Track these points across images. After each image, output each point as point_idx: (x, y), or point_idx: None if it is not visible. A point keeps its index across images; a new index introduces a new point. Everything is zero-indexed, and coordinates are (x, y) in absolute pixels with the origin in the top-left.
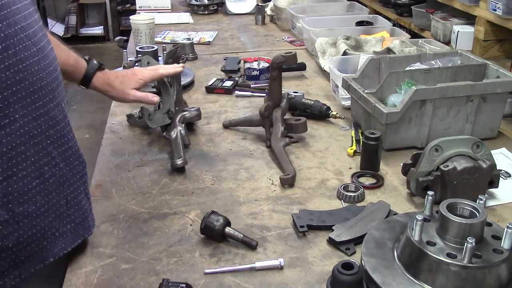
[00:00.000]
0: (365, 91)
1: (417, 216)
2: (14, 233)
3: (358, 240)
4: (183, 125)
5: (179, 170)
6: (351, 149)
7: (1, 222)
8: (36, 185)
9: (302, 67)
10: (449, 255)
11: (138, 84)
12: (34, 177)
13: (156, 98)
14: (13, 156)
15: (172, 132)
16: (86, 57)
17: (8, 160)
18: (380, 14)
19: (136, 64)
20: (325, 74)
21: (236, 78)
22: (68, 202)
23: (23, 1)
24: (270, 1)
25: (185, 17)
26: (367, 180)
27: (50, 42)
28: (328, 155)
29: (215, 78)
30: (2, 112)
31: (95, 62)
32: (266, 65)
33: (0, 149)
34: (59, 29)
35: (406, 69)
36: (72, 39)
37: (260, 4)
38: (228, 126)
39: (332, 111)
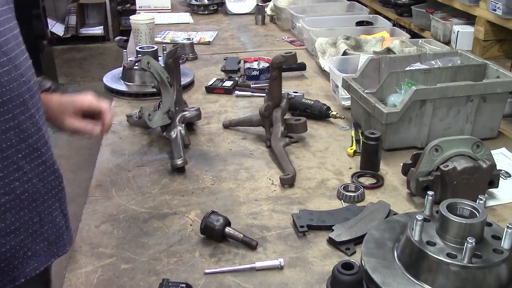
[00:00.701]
0: (365, 91)
1: (417, 216)
2: None
3: (358, 240)
4: (183, 125)
5: (179, 170)
6: (351, 149)
7: None
8: (5, 201)
9: (302, 67)
10: (449, 255)
11: (75, 114)
12: (4, 193)
13: (96, 129)
14: None
15: (172, 132)
16: (39, 78)
17: None
18: (380, 14)
19: (136, 64)
20: (325, 74)
21: (236, 78)
22: (42, 219)
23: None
24: (270, 1)
25: (185, 17)
26: (367, 180)
27: (26, 51)
28: (328, 155)
29: (215, 78)
30: None
31: (46, 83)
32: (266, 65)
33: None
34: (59, 29)
35: (406, 69)
36: (72, 39)
37: (260, 4)
38: (228, 126)
39: (332, 111)
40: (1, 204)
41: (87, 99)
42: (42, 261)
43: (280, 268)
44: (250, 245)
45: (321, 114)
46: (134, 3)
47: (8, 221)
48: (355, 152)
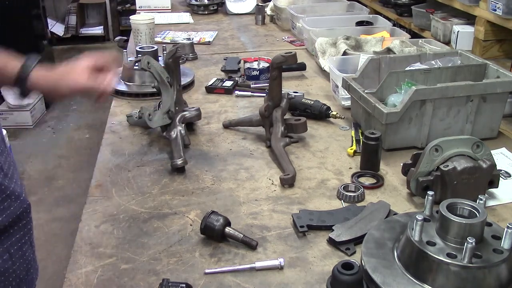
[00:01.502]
0: (365, 91)
1: (417, 216)
2: None
3: (358, 240)
4: (183, 125)
5: (179, 170)
6: (351, 149)
7: None
8: None
9: (302, 67)
10: (449, 255)
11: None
12: None
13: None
14: None
15: (172, 132)
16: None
17: None
18: (380, 14)
19: (136, 64)
20: (325, 74)
21: (236, 78)
22: (12, 255)
23: None
24: (270, 1)
25: (185, 17)
26: (367, 180)
27: None
28: (328, 155)
29: (215, 78)
30: None
31: (32, 61)
32: (266, 65)
33: None
34: (59, 29)
35: (406, 69)
36: (72, 39)
37: (260, 4)
38: (228, 126)
39: (332, 111)
40: None
41: (96, 56)
42: None
43: (280, 268)
44: (250, 245)
45: (321, 114)
46: (134, 3)
47: None
48: (355, 152)
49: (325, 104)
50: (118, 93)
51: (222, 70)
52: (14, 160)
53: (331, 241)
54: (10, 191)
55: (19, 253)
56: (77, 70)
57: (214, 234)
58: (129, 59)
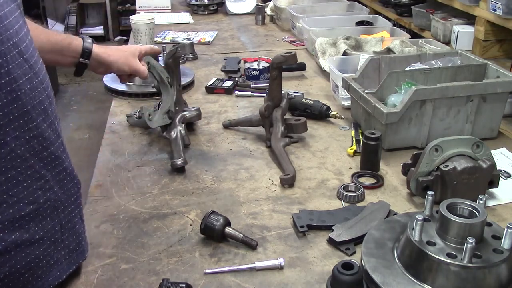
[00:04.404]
0: (365, 91)
1: (417, 216)
2: (6, 263)
3: (358, 240)
4: (183, 125)
5: (179, 170)
6: (351, 149)
7: None
8: (29, 211)
9: (302, 67)
10: (449, 255)
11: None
12: (27, 203)
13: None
14: (3, 182)
15: (172, 132)
16: (79, 38)
17: None
18: (380, 14)
19: None
20: (325, 74)
21: (236, 78)
22: (63, 227)
23: (14, 13)
24: (270, 1)
25: (185, 17)
26: (367, 180)
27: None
28: (328, 155)
29: (215, 78)
30: None
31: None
32: (266, 65)
33: None
34: (59, 29)
35: (406, 69)
36: None
37: (260, 4)
38: (228, 126)
39: (332, 111)
40: (26, 214)
41: (144, 46)
42: (64, 269)
43: (280, 268)
44: (250, 245)
45: (321, 114)
46: (134, 3)
47: (32, 230)
48: (355, 152)
49: (325, 104)
50: (118, 93)
51: (222, 70)
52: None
53: (331, 241)
54: (66, 165)
55: (69, 225)
56: (129, 54)
57: (214, 234)
58: None
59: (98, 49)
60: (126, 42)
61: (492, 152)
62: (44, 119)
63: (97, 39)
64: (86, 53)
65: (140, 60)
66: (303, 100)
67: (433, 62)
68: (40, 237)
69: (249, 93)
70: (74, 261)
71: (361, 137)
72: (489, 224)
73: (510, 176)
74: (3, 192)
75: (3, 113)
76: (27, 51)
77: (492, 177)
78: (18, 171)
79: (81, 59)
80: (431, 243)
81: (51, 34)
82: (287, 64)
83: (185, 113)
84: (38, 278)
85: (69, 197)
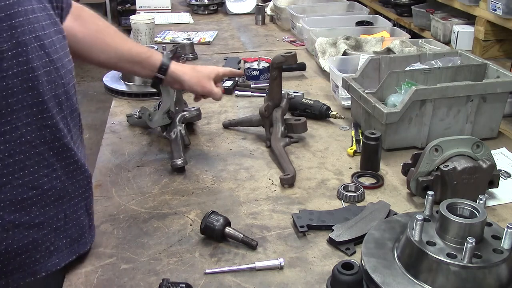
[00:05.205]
0: (365, 91)
1: (417, 216)
2: (2, 241)
3: (358, 240)
4: (183, 125)
5: (179, 170)
6: (351, 149)
7: None
8: (32, 195)
9: (302, 67)
10: (449, 255)
11: (211, 79)
12: (31, 187)
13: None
14: (10, 164)
15: (172, 132)
16: (160, 50)
17: (4, 167)
18: (380, 14)
19: None
20: (325, 74)
21: (236, 78)
22: (67, 216)
23: (43, 11)
24: (270, 1)
25: (185, 17)
26: (367, 180)
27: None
28: (328, 155)
29: None
30: (4, 118)
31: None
32: (266, 65)
33: None
34: None
35: (406, 69)
36: None
37: (260, 4)
38: (228, 126)
39: (332, 111)
40: (28, 198)
41: (223, 69)
42: (63, 257)
43: (280, 268)
44: (250, 245)
45: (321, 114)
46: (134, 3)
47: (32, 214)
48: (355, 152)
49: (325, 104)
50: (118, 93)
51: None
52: (83, 139)
53: (331, 241)
54: (77, 158)
55: (74, 216)
56: (203, 75)
57: (214, 234)
58: None
59: (175, 66)
60: None
61: (492, 152)
62: (58, 111)
63: None
64: (163, 68)
65: (217, 82)
66: (303, 100)
67: (433, 62)
68: (41, 222)
69: (249, 93)
70: (75, 251)
71: (361, 137)
72: (489, 224)
73: (510, 176)
74: (9, 173)
75: (17, 99)
76: (52, 46)
77: (492, 177)
78: (26, 156)
79: (157, 73)
80: (431, 243)
81: (133, 46)
82: (287, 64)
83: (185, 113)
84: (36, 261)
85: (77, 189)
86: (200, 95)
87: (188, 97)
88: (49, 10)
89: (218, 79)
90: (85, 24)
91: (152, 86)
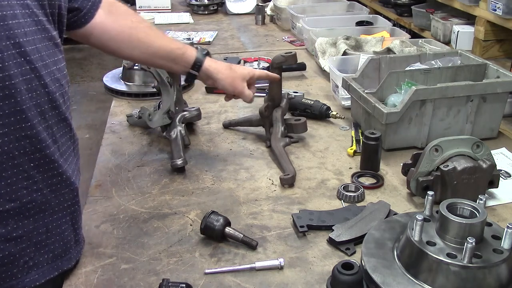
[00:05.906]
0: (365, 91)
1: (417, 216)
2: None
3: (358, 240)
4: (183, 125)
5: (179, 170)
6: (351, 149)
7: None
8: (9, 208)
9: (302, 67)
10: (449, 255)
11: (244, 80)
12: (8, 200)
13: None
14: None
15: (172, 132)
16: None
17: None
18: (380, 14)
19: (136, 64)
20: (325, 74)
21: None
22: (48, 230)
23: (28, 17)
24: (270, 1)
25: (185, 17)
26: (367, 180)
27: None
28: (328, 155)
29: None
30: None
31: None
32: (266, 65)
33: None
34: None
35: (406, 69)
36: (72, 39)
37: (260, 4)
38: (228, 126)
39: (332, 111)
40: (5, 210)
41: (259, 71)
42: (44, 273)
43: (280, 268)
44: (250, 245)
45: (321, 114)
46: (134, 3)
47: (9, 227)
48: (355, 152)
49: (325, 104)
50: (118, 93)
51: None
52: (78, 148)
53: (331, 241)
54: (62, 170)
55: (57, 230)
56: (238, 75)
57: (214, 234)
58: None
59: (209, 63)
60: None
61: (492, 152)
62: (40, 121)
63: None
64: (197, 65)
65: (251, 84)
66: (303, 100)
67: (433, 62)
68: (19, 235)
69: None
70: (58, 267)
71: (361, 137)
72: (489, 224)
73: (510, 176)
74: None
75: None
76: (35, 54)
77: (492, 177)
78: (3, 167)
79: (191, 70)
80: (431, 243)
81: (167, 42)
82: (287, 64)
83: (185, 113)
84: (12, 276)
85: (61, 202)
86: (231, 95)
87: (188, 97)
88: (38, 16)
89: (253, 81)
90: (118, 20)
91: (185, 81)
